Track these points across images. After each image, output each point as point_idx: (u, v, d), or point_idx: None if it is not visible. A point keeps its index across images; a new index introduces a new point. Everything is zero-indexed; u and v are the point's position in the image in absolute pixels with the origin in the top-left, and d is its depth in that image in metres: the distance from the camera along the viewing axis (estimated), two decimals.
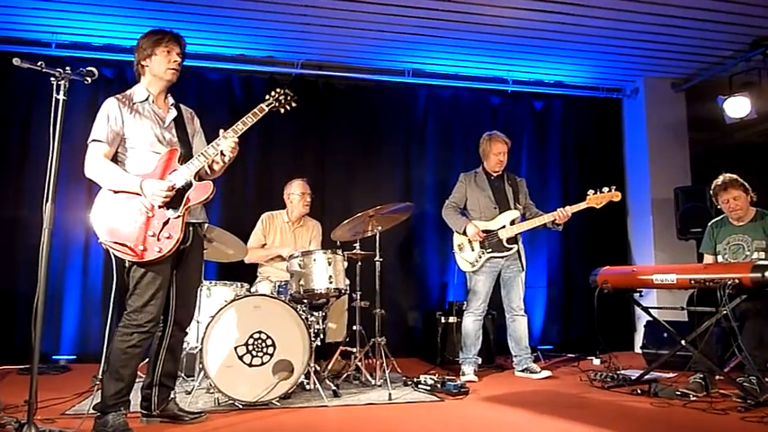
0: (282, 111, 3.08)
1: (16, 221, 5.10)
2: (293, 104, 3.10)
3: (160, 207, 2.69)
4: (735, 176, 4.04)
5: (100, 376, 2.71)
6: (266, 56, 5.76)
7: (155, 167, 2.77)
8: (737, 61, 5.70)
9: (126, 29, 5.15)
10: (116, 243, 2.61)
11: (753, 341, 3.57)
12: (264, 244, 4.62)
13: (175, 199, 2.72)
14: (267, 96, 3.05)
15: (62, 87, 2.42)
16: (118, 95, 2.83)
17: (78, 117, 4.99)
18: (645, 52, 5.77)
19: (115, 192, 2.69)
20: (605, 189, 4.32)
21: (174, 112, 2.95)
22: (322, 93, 5.96)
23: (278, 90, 3.07)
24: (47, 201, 2.35)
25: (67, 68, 2.45)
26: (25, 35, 5.22)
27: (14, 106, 5.25)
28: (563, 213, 4.36)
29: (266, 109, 2.99)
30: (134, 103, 2.83)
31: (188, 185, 2.77)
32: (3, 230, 5.11)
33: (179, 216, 2.73)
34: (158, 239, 2.66)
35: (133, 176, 2.72)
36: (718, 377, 3.80)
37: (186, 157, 2.84)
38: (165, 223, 2.69)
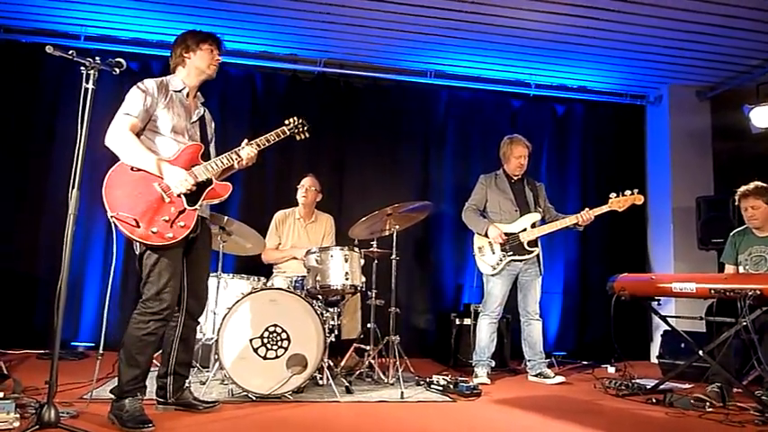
0: (298, 138, 3.29)
1: (40, 209, 5.19)
2: (307, 135, 3.32)
3: (179, 196, 2.74)
4: (762, 185, 3.97)
5: (101, 352, 2.75)
6: (289, 53, 5.80)
7: (177, 156, 2.82)
8: (765, 70, 5.62)
9: (153, 23, 5.23)
10: (128, 218, 2.62)
11: None
12: (279, 243, 4.67)
13: (194, 191, 2.79)
14: (287, 122, 3.24)
15: (91, 77, 2.47)
16: (155, 79, 2.90)
17: (103, 109, 5.08)
18: (670, 59, 5.71)
19: (132, 169, 2.72)
20: (627, 192, 4.28)
21: (201, 111, 3.05)
22: (343, 91, 5.99)
23: (295, 119, 3.26)
24: (73, 187, 2.40)
25: (97, 58, 2.50)
26: (55, 27, 5.33)
27: (42, 96, 5.35)
28: (585, 216, 4.33)
29: (288, 132, 3.20)
30: (169, 91, 2.90)
31: (208, 182, 2.86)
32: (27, 218, 5.20)
33: (195, 209, 2.80)
34: (172, 226, 2.71)
35: (157, 158, 2.75)
36: (736, 390, 3.74)
37: (205, 155, 2.93)
38: (181, 212, 2.75)
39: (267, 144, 3.08)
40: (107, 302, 2.72)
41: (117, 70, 2.57)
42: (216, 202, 2.93)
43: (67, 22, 5.26)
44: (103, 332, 2.66)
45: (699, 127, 6.37)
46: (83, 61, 2.46)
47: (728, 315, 3.61)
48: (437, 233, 6.02)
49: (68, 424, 2.37)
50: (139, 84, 2.83)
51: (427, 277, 5.98)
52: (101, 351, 2.76)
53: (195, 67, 2.95)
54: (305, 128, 3.28)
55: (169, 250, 2.74)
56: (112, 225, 2.65)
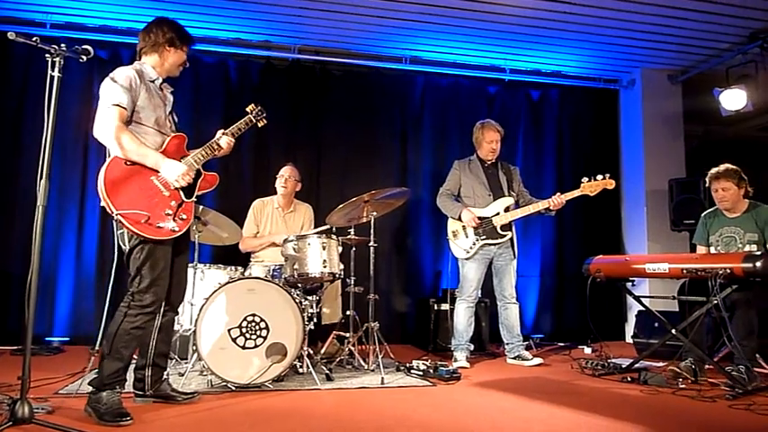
0: (260, 125, 3.28)
1: (11, 204, 5.08)
2: (265, 121, 3.29)
3: (176, 189, 2.75)
4: (732, 167, 4.03)
5: (98, 347, 2.71)
6: (263, 40, 5.73)
7: (164, 148, 2.80)
8: (735, 54, 5.71)
9: (121, 10, 5.12)
10: (135, 214, 2.59)
11: (742, 331, 3.61)
12: (257, 232, 4.63)
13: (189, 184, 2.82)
14: (249, 109, 3.23)
15: (57, 64, 2.39)
16: (131, 67, 2.80)
17: (73, 98, 4.99)
18: (642, 44, 5.77)
19: (126, 163, 2.66)
20: (599, 177, 4.33)
21: (172, 99, 3.00)
22: (319, 78, 5.94)
23: (254, 105, 3.26)
24: (41, 178, 2.34)
25: (62, 45, 2.43)
26: (19, 15, 5.18)
27: (9, 87, 5.21)
28: (557, 200, 4.38)
29: (254, 121, 3.22)
30: (146, 81, 2.83)
31: (198, 174, 2.89)
32: None
33: (193, 201, 2.84)
34: (174, 219, 2.71)
35: (154, 152, 2.72)
36: (707, 366, 3.84)
37: (189, 145, 2.94)
38: (180, 205, 2.76)
39: (239, 133, 3.13)
40: (107, 298, 2.67)
41: (84, 58, 2.50)
42: (205, 192, 2.95)
43: (33, 9, 5.11)
44: (102, 327, 2.62)
45: (671, 110, 6.48)
46: (47, 48, 2.38)
47: (700, 294, 3.70)
48: (415, 219, 6.04)
49: (43, 419, 2.34)
50: (118, 73, 2.71)
51: (405, 263, 6.00)
52: (96, 348, 2.73)
53: (169, 64, 2.91)
54: (263, 114, 3.28)
55: (162, 244, 2.72)
56: (115, 223, 2.62)
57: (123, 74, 2.72)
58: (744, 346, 3.55)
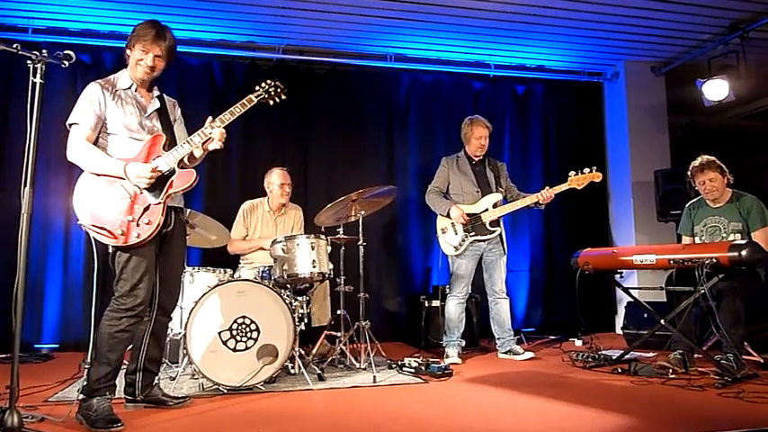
0: (272, 102, 3.06)
1: None
2: (283, 97, 3.08)
3: (142, 191, 2.69)
4: (712, 158, 4.08)
5: (88, 361, 2.70)
6: (247, 41, 5.70)
7: (138, 152, 2.76)
8: (716, 44, 5.75)
9: (104, 14, 5.06)
10: (95, 226, 2.62)
11: (729, 319, 3.64)
12: (247, 234, 4.61)
13: (157, 185, 2.72)
14: (257, 87, 3.03)
15: (39, 71, 2.37)
16: (101, 80, 2.82)
17: (57, 103, 4.93)
18: (625, 36, 5.80)
19: (97, 175, 2.69)
20: (586, 170, 4.38)
21: (156, 103, 2.93)
22: (304, 78, 5.92)
23: (268, 82, 3.05)
24: (25, 185, 2.32)
25: (44, 51, 2.41)
26: (0, 21, 5.12)
27: None
28: (546, 194, 4.42)
29: (255, 100, 2.97)
30: (117, 90, 2.82)
31: (171, 172, 2.77)
32: None
33: (160, 203, 2.73)
34: (137, 225, 2.67)
35: (116, 160, 2.71)
36: (696, 355, 3.88)
37: (170, 144, 2.84)
38: (146, 209, 2.70)
39: (233, 118, 2.84)
40: (93, 305, 2.65)
41: (66, 63, 2.47)
42: (180, 191, 2.81)
43: (13, 14, 5.05)
44: (91, 337, 2.61)
45: (655, 102, 6.52)
46: (29, 55, 2.36)
47: (687, 284, 3.73)
48: (403, 217, 6.04)
49: (33, 428, 2.32)
50: (83, 93, 2.77)
51: (395, 261, 6.00)
52: (87, 359, 2.70)
53: (130, 67, 2.84)
54: (278, 90, 3.04)
55: (141, 248, 2.70)
56: (83, 231, 2.63)
57: (85, 92, 2.77)
58: (731, 334, 3.59)
